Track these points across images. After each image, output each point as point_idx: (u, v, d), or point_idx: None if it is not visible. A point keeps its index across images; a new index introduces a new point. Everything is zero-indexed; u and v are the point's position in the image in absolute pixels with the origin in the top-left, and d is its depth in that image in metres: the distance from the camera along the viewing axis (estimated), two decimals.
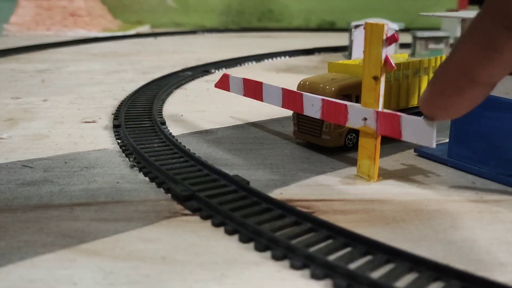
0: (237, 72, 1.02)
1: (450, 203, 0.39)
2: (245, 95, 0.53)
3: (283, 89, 0.48)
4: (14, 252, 0.31)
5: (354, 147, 0.49)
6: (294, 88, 0.52)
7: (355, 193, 0.41)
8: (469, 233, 0.34)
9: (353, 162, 0.47)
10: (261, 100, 0.51)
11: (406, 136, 0.39)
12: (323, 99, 0.44)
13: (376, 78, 0.40)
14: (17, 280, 0.28)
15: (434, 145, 0.38)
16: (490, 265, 0.30)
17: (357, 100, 0.47)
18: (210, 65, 1.05)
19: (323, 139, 0.49)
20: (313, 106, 0.45)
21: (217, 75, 0.98)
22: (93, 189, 0.41)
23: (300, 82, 0.51)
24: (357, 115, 0.42)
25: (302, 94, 0.46)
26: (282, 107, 0.49)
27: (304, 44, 1.39)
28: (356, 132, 0.49)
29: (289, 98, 0.48)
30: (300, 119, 0.51)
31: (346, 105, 0.42)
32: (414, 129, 0.39)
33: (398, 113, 0.40)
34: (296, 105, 0.47)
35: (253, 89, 0.52)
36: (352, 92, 0.48)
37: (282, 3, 2.15)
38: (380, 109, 0.41)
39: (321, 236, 0.32)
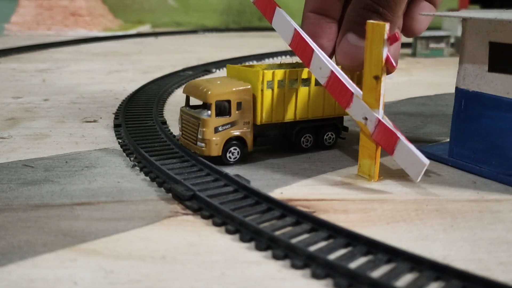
0: None
1: (451, 202, 0.39)
2: (255, 2, 0.47)
3: (296, 29, 0.44)
4: (15, 252, 0.31)
5: (237, 163, 0.46)
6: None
7: (355, 192, 0.41)
8: (470, 233, 0.34)
9: (354, 162, 0.47)
10: (270, 21, 0.46)
11: (397, 158, 0.41)
12: (332, 71, 0.42)
13: (377, 78, 0.40)
14: (18, 279, 0.28)
15: (418, 180, 0.40)
16: (490, 265, 0.30)
17: (239, 107, 0.45)
18: (210, 65, 1.05)
19: (199, 148, 0.46)
20: (320, 70, 0.43)
21: (217, 74, 0.98)
22: (94, 189, 0.41)
23: (188, 83, 0.49)
24: (359, 110, 0.42)
25: (313, 50, 0.43)
26: (290, 46, 0.45)
27: None
28: (239, 145, 0.46)
29: (299, 43, 0.44)
30: (183, 123, 0.48)
31: (352, 93, 0.42)
32: (407, 157, 0.40)
33: (398, 134, 0.40)
34: (304, 55, 0.44)
35: (265, 4, 0.46)
36: (232, 98, 0.45)
37: (283, 2, 2.13)
38: (381, 110, 0.41)
39: (321, 236, 0.32)
